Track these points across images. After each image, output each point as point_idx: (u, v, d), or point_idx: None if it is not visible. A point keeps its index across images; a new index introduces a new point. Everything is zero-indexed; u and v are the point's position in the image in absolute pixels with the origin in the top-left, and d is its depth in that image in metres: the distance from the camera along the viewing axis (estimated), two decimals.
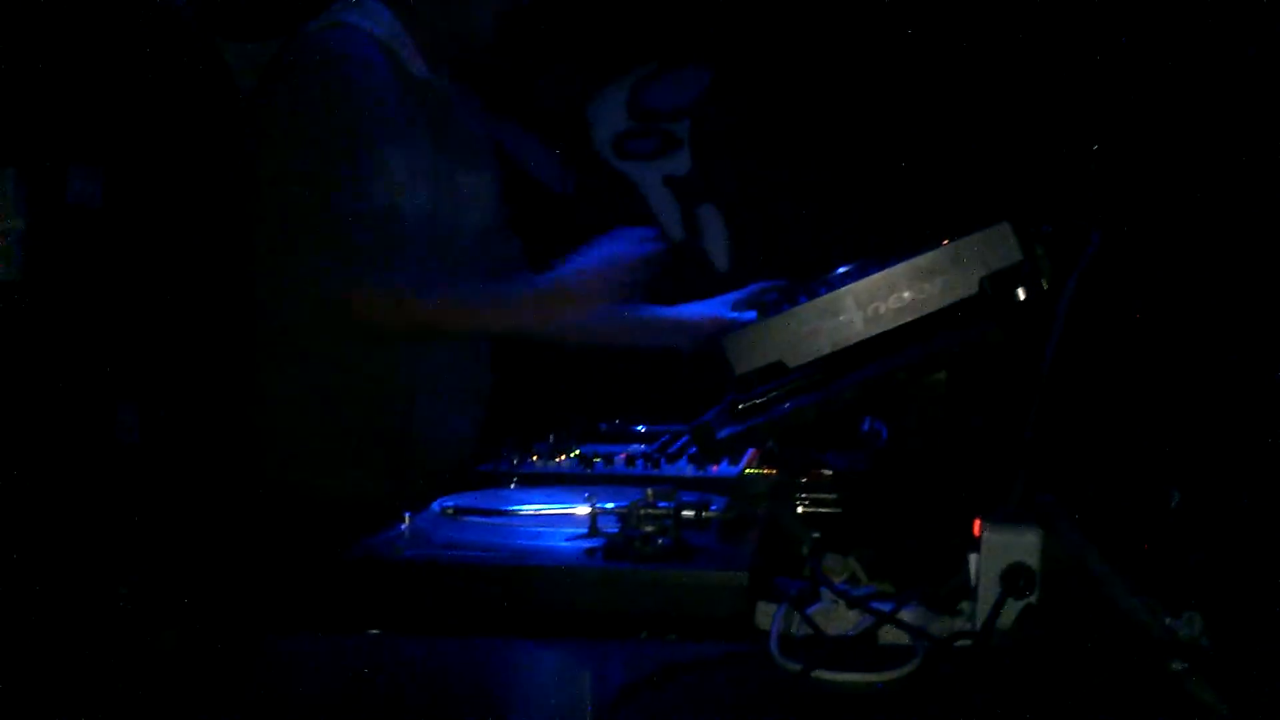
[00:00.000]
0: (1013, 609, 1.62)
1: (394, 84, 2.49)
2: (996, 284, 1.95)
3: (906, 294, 1.96)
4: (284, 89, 2.46)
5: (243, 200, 2.48)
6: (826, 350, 1.96)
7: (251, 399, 2.54)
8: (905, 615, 1.66)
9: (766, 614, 1.67)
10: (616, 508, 1.79)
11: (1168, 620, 1.42)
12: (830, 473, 2.28)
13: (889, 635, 1.63)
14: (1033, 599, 1.62)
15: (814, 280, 2.07)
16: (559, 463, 2.42)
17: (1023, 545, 1.65)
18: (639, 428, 2.86)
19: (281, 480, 2.50)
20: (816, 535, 2.00)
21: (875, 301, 1.96)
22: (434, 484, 2.21)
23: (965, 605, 1.69)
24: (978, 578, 1.66)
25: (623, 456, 2.47)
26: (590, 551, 1.73)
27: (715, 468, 2.29)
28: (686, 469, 2.35)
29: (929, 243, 2.06)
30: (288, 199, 2.42)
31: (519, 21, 2.68)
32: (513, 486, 2.23)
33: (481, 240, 2.72)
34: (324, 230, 2.40)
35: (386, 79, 2.48)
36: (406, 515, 1.84)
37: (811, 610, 1.68)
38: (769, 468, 2.28)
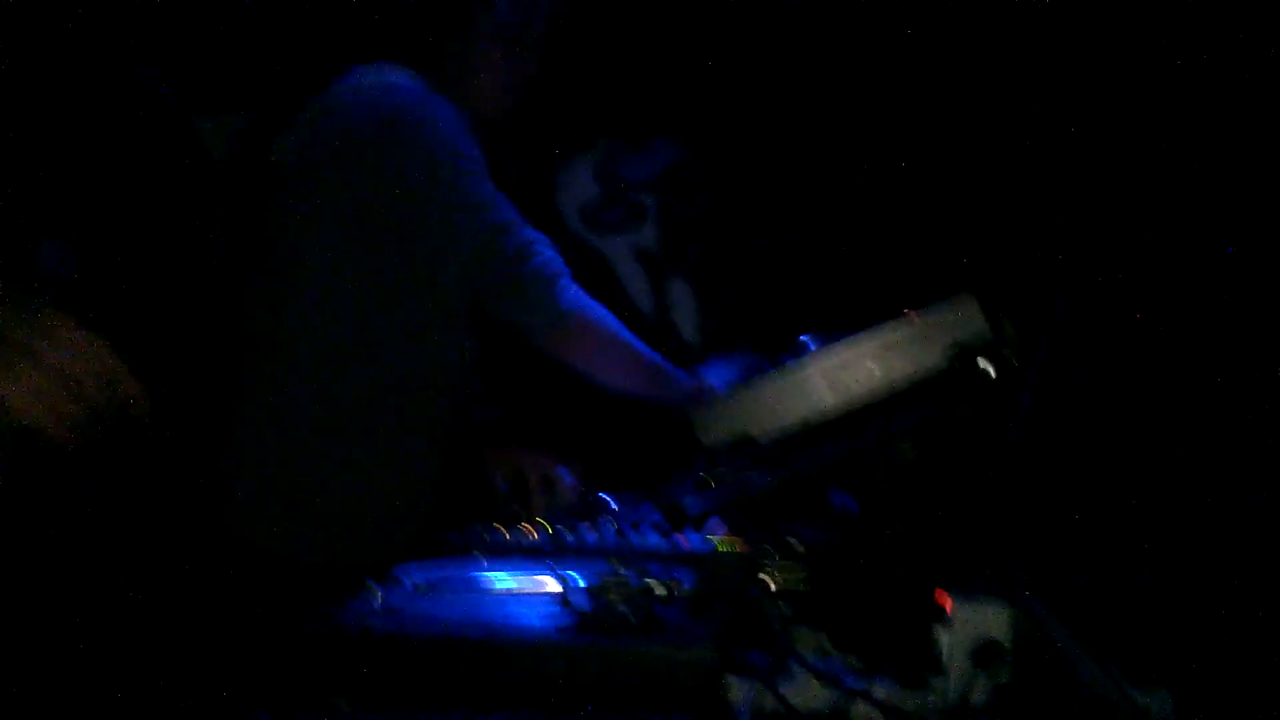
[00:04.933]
0: (983, 683, 1.63)
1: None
2: (964, 357, 1.97)
3: (874, 368, 1.97)
4: (400, 124, 2.47)
5: (309, 254, 2.47)
6: (794, 424, 1.97)
7: (227, 450, 2.51)
8: (876, 691, 1.66)
9: (737, 689, 1.67)
10: (586, 583, 1.79)
11: (1137, 698, 1.42)
12: (800, 546, 2.28)
13: (860, 711, 1.63)
14: (1004, 676, 1.63)
15: (782, 353, 2.08)
16: (528, 534, 2.42)
17: (992, 620, 1.66)
18: (607, 498, 2.86)
19: (247, 539, 2.46)
20: (786, 609, 2.00)
21: (843, 375, 1.97)
22: (389, 545, 2.22)
23: (936, 681, 1.70)
24: (948, 652, 1.66)
25: (592, 529, 2.47)
26: (561, 627, 1.73)
27: (684, 541, 2.29)
28: (655, 542, 2.35)
29: (896, 316, 2.07)
30: (445, 234, 2.44)
31: (529, 98, 2.73)
32: (482, 559, 2.23)
33: None
34: (507, 259, 2.48)
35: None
36: (375, 587, 1.83)
37: (782, 685, 1.68)
38: (738, 541, 2.28)
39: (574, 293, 2.50)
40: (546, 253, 2.49)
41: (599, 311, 2.54)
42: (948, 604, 1.70)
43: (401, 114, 2.44)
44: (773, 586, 2.13)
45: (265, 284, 2.52)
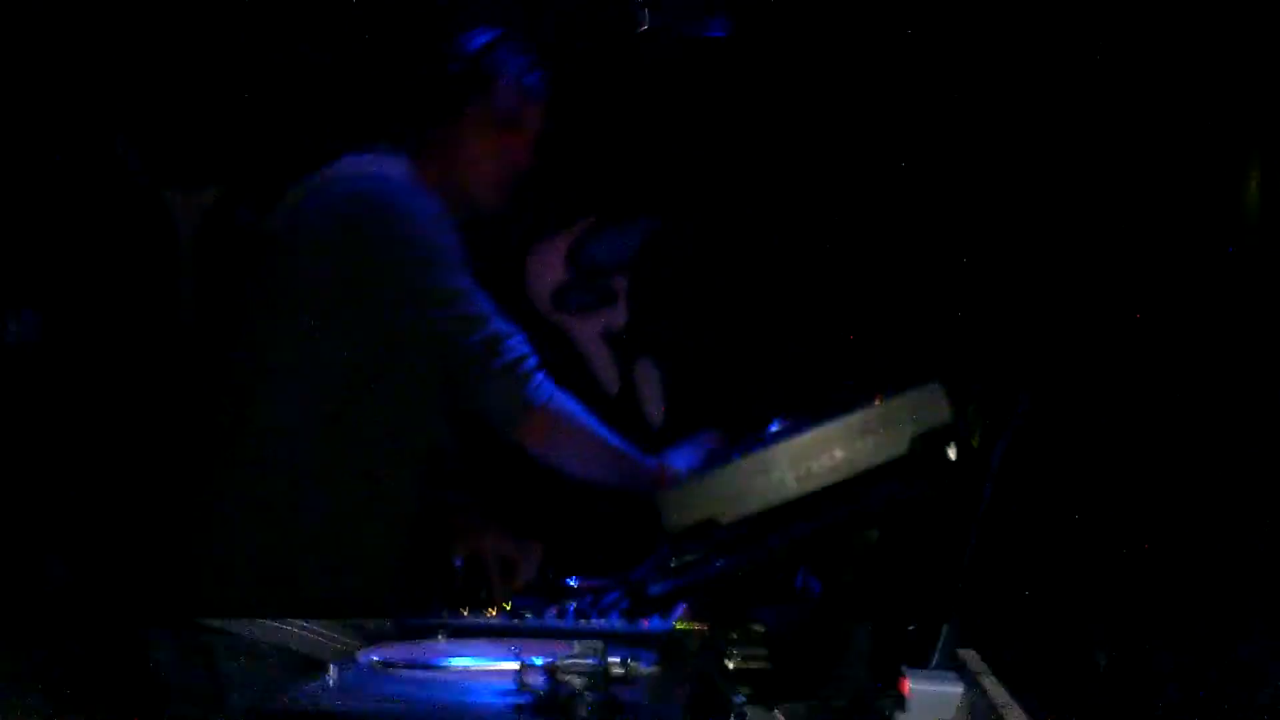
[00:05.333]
0: None
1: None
2: (927, 443, 1.98)
3: (838, 453, 1.97)
4: (362, 227, 2.49)
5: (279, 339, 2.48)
6: (758, 508, 1.97)
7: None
8: None
9: None
10: (545, 663, 1.77)
11: None
12: (761, 628, 2.28)
13: None
14: None
15: (747, 438, 2.08)
16: (488, 615, 2.41)
17: (947, 702, 1.65)
18: (570, 580, 2.84)
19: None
20: (746, 691, 1.98)
21: (807, 460, 1.97)
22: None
23: None
24: None
25: (553, 609, 2.45)
26: (519, 708, 1.72)
27: (646, 623, 2.28)
28: (617, 623, 2.34)
29: (861, 402, 2.08)
30: (407, 325, 2.45)
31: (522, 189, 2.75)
32: (441, 640, 2.21)
33: None
34: (474, 351, 2.48)
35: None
36: (331, 665, 1.82)
37: None
38: (700, 623, 2.27)
39: (543, 386, 2.51)
40: (518, 346, 2.51)
41: (566, 404, 2.55)
42: (905, 686, 1.69)
43: (381, 208, 2.48)
44: (732, 667, 2.12)
45: (243, 350, 2.53)
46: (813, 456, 1.98)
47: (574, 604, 2.49)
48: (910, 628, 2.07)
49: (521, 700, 1.73)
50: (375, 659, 1.97)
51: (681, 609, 2.29)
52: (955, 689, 1.67)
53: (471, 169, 2.69)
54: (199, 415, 2.55)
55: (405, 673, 1.94)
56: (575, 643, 1.78)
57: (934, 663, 1.87)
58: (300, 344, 2.45)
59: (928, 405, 2.01)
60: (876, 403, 2.10)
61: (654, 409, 4.39)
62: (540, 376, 2.52)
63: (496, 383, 2.47)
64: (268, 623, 2.21)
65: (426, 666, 1.98)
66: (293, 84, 3.28)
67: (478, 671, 1.94)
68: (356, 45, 3.07)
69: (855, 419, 2.01)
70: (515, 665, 1.83)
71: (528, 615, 2.39)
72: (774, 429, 2.07)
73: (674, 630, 2.26)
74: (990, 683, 1.66)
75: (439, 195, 2.60)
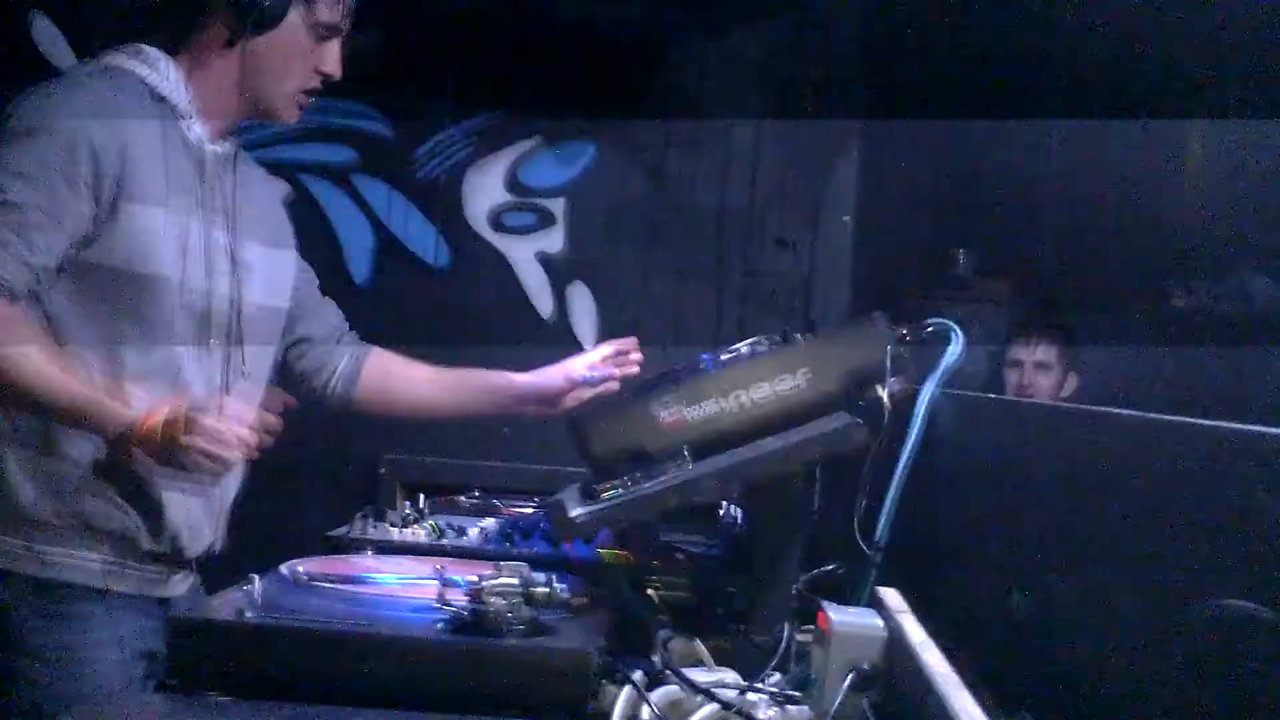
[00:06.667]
0: (856, 701, 1.64)
1: (152, 139, 2.24)
2: (859, 380, 1.99)
3: (770, 386, 1.98)
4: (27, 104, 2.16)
5: None
6: (688, 437, 1.97)
7: None
8: (752, 705, 1.67)
9: (613, 697, 1.67)
10: (467, 583, 1.78)
11: None
12: (683, 557, 2.29)
13: None
14: (875, 695, 1.65)
15: (680, 366, 2.08)
16: (413, 534, 2.41)
17: (869, 640, 1.67)
18: (495, 501, 2.85)
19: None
20: (666, 620, 2.00)
21: (738, 390, 1.98)
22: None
23: (809, 695, 1.71)
24: (823, 669, 1.68)
25: (477, 530, 2.46)
26: (440, 625, 1.72)
27: (569, 547, 2.29)
28: (541, 547, 2.35)
29: (798, 337, 2.09)
30: None
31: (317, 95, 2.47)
32: (368, 555, 2.21)
33: (251, 318, 2.38)
34: None
35: (142, 134, 2.21)
36: (254, 576, 1.81)
37: (657, 696, 1.69)
38: (623, 550, 2.28)
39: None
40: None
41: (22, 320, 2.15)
42: (823, 620, 1.71)
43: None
44: (652, 594, 2.14)
45: None
46: (744, 388, 1.99)
47: (499, 526, 2.49)
48: (834, 566, 2.09)
49: (443, 618, 1.74)
50: (299, 572, 1.97)
51: (605, 535, 2.31)
52: (875, 628, 1.69)
53: (274, 80, 2.32)
54: None
55: (328, 587, 1.94)
56: (499, 565, 1.78)
57: (856, 601, 1.89)
58: None
59: (863, 342, 2.02)
60: (811, 336, 2.11)
61: (587, 333, 4.40)
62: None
63: None
64: None
65: (350, 582, 1.97)
66: None
67: (401, 588, 1.94)
68: None
69: (789, 352, 2.02)
70: (438, 584, 1.83)
71: (452, 534, 2.40)
72: (706, 358, 2.07)
73: (598, 556, 2.27)
74: (909, 620, 1.69)
75: (222, 101, 2.31)
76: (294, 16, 2.27)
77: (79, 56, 4.09)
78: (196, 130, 2.29)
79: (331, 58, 2.33)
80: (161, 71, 2.27)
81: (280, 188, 2.92)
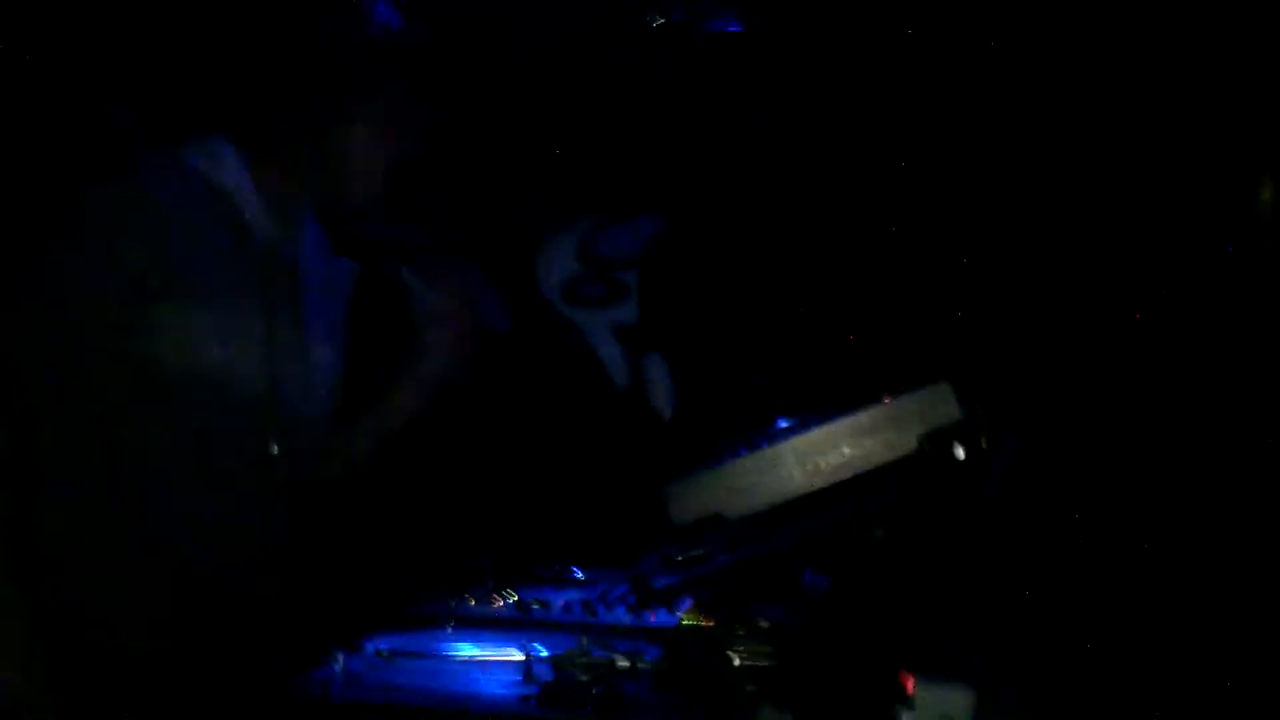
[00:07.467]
0: None
1: (212, 236, 2.20)
2: (935, 442, 1.98)
3: (846, 450, 1.97)
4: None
5: None
6: (765, 504, 1.97)
7: None
8: None
9: None
10: (551, 655, 1.78)
11: None
12: (767, 625, 2.28)
13: None
14: None
15: (755, 433, 2.08)
16: (495, 606, 2.41)
17: (955, 704, 1.66)
18: (577, 573, 2.85)
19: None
20: (750, 687, 1.99)
21: (815, 456, 1.97)
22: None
23: None
24: None
25: (560, 602, 2.46)
26: (525, 699, 1.72)
27: (652, 617, 2.28)
28: (623, 617, 2.35)
29: (869, 400, 2.08)
30: None
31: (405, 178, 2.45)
32: (448, 628, 2.22)
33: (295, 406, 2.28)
34: None
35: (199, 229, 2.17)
36: (339, 655, 1.83)
37: None
38: (706, 619, 2.27)
39: None
40: None
41: None
42: (910, 684, 1.70)
43: None
44: (737, 662, 2.12)
45: None
46: (820, 453, 1.98)
47: (581, 597, 2.49)
48: (916, 629, 2.07)
49: (528, 691, 1.74)
50: (382, 648, 1.98)
51: (688, 604, 2.30)
52: (959, 689, 1.67)
53: (353, 171, 2.34)
54: None
55: (410, 661, 1.95)
56: (581, 635, 1.79)
57: (938, 663, 1.87)
58: None
59: (936, 404, 2.01)
60: (885, 401, 2.10)
61: (663, 405, 4.39)
62: None
63: None
64: None
65: (432, 655, 1.98)
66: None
67: (484, 662, 1.95)
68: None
69: (863, 417, 2.02)
70: (521, 656, 1.83)
71: (535, 607, 2.40)
72: (782, 425, 2.07)
73: (680, 625, 2.27)
74: (997, 686, 1.67)
75: (296, 188, 2.31)
76: None
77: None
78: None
79: None
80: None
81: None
